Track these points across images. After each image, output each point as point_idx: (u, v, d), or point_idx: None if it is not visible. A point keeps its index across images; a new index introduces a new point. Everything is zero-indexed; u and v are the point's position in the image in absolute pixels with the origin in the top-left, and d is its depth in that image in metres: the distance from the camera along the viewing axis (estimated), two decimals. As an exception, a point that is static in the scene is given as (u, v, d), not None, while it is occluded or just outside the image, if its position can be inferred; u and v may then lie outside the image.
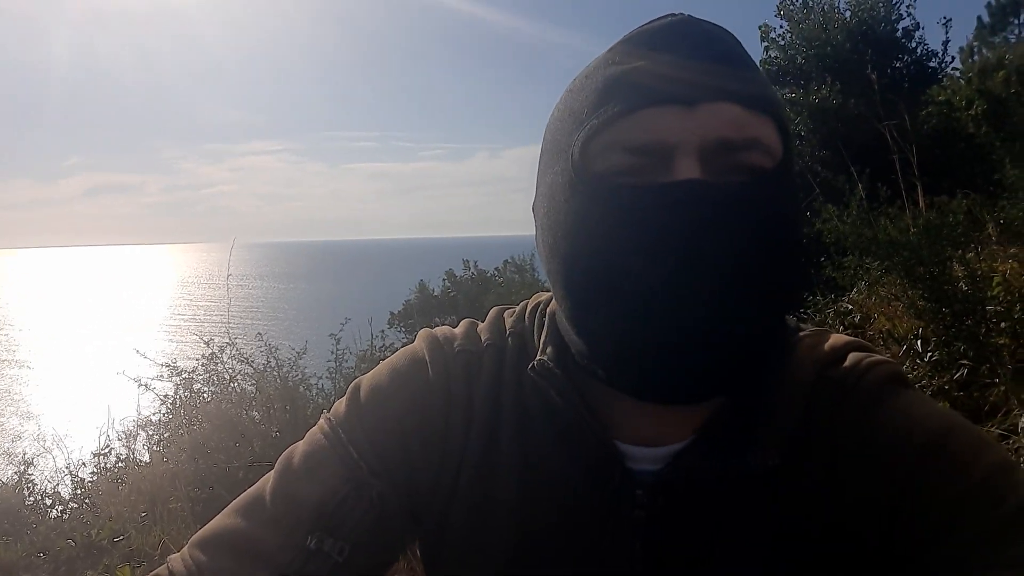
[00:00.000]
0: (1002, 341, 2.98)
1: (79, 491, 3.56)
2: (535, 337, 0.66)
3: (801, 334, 0.64)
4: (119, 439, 3.86)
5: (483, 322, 0.71)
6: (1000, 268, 3.52)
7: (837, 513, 0.56)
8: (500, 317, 0.71)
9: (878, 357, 0.61)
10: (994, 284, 3.24)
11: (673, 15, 0.57)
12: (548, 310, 0.67)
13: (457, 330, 0.70)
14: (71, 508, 3.41)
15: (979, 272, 3.28)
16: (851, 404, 0.58)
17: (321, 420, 0.67)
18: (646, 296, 0.51)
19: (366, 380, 0.68)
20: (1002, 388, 2.67)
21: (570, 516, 0.60)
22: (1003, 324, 3.05)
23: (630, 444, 0.60)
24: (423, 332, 0.71)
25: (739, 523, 0.57)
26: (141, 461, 3.70)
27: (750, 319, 0.52)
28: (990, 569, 0.48)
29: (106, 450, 3.80)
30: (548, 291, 0.71)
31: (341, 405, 0.67)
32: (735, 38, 0.57)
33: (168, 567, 0.61)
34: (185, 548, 0.62)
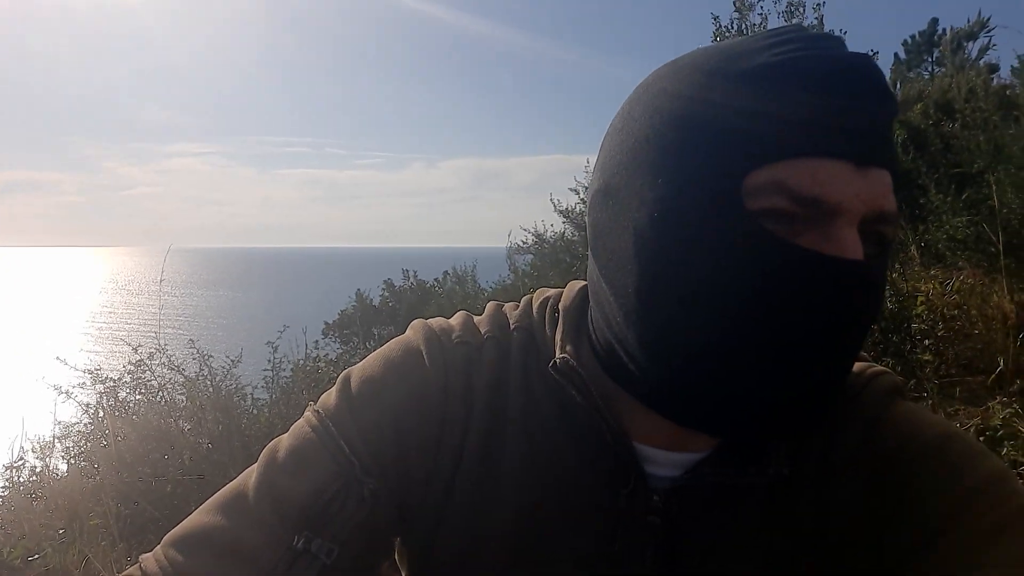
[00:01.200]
0: (926, 357, 3.14)
1: (-12, 507, 3.32)
2: (545, 334, 0.64)
3: None
4: (33, 451, 3.62)
5: (479, 315, 0.69)
6: (923, 288, 3.70)
7: (839, 519, 0.56)
8: (500, 311, 0.68)
9: (881, 368, 0.62)
10: (918, 303, 3.41)
11: (831, 39, 0.52)
12: (561, 307, 0.65)
13: (453, 321, 0.67)
14: (-22, 526, 3.18)
15: (904, 291, 3.45)
16: (856, 413, 0.59)
17: (308, 412, 0.63)
18: (759, 354, 0.49)
19: (357, 371, 0.64)
20: (930, 402, 2.80)
21: (579, 517, 0.58)
22: (927, 341, 3.21)
23: (648, 447, 0.58)
24: (416, 323, 0.68)
25: (749, 530, 0.57)
26: (58, 474, 3.49)
27: (839, 383, 0.53)
28: (984, 569, 0.48)
29: (19, 463, 3.56)
30: (549, 290, 0.69)
31: (330, 397, 0.63)
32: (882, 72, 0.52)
33: (140, 567, 0.56)
34: (159, 547, 0.58)
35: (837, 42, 0.52)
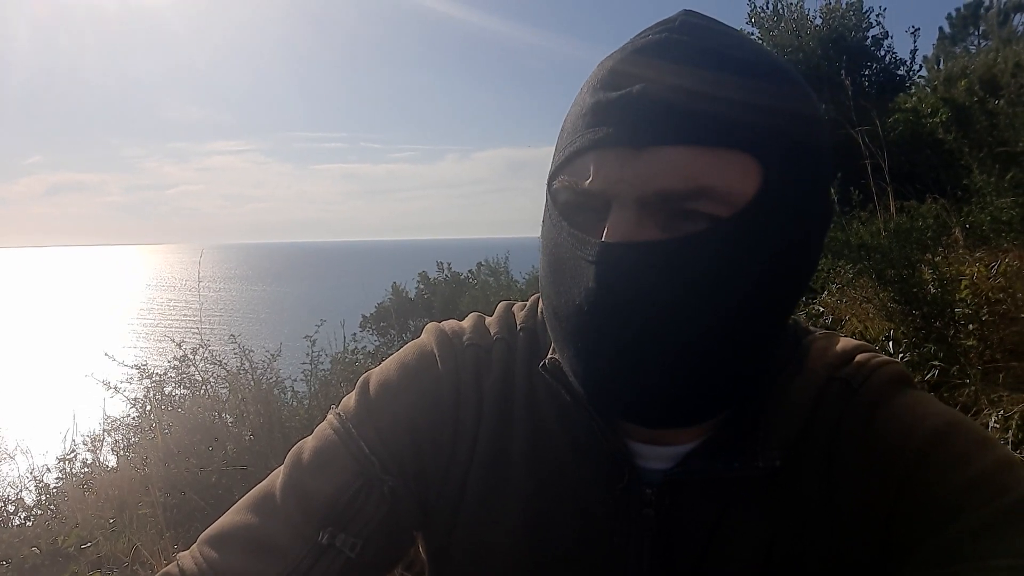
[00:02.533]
0: (970, 343, 3.05)
1: (44, 497, 3.46)
2: (548, 333, 0.65)
3: (811, 337, 0.65)
4: (85, 444, 3.76)
5: (490, 316, 0.71)
6: (967, 271, 3.60)
7: (839, 509, 0.56)
8: (509, 311, 0.71)
9: (885, 358, 0.62)
10: (962, 287, 3.32)
11: (660, 26, 0.54)
12: None
13: (465, 324, 0.70)
14: (36, 515, 3.31)
15: (947, 275, 3.36)
16: (858, 402, 0.59)
17: (330, 416, 0.65)
18: (574, 335, 0.53)
19: (375, 375, 0.67)
20: (972, 388, 2.73)
21: (581, 513, 0.60)
22: (971, 326, 3.12)
23: (640, 443, 0.60)
24: (430, 326, 0.70)
25: (742, 521, 0.57)
26: (108, 466, 3.62)
27: (700, 361, 0.52)
28: (989, 558, 0.48)
29: (71, 455, 3.70)
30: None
31: (350, 400, 0.66)
32: (731, 54, 0.52)
33: (178, 564, 0.60)
34: (195, 546, 0.61)
35: (662, 28, 0.53)
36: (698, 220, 0.50)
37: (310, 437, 0.65)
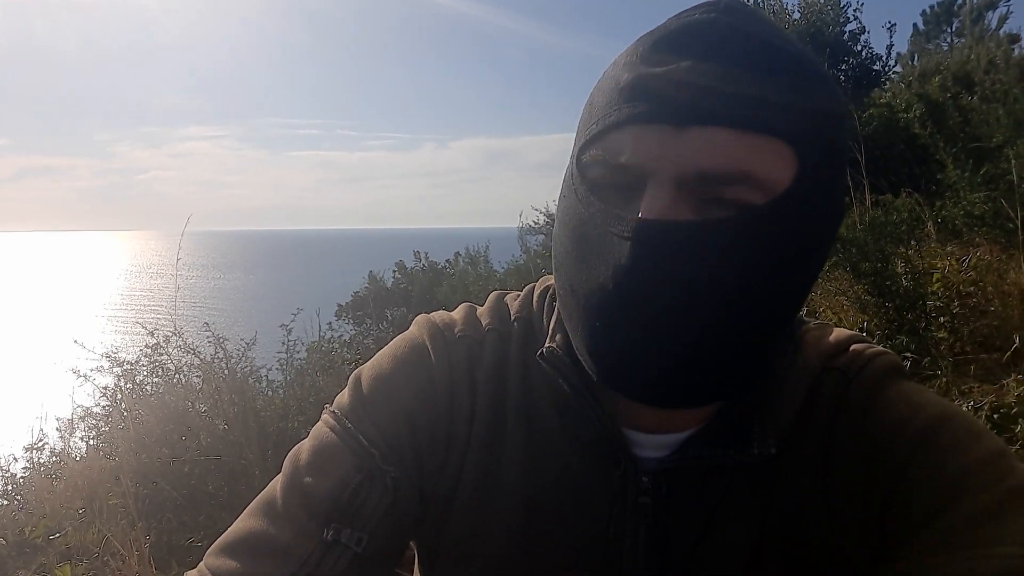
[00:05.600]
0: (941, 335, 3.10)
1: (10, 487, 3.39)
2: (544, 322, 0.65)
3: (804, 328, 0.65)
4: (58, 430, 3.69)
5: (481, 306, 0.70)
6: (939, 265, 3.66)
7: (834, 497, 0.56)
8: (502, 301, 0.70)
9: (879, 348, 0.62)
10: (933, 280, 3.37)
11: (705, 6, 0.53)
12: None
13: (456, 315, 0.69)
14: (2, 505, 3.25)
15: (920, 268, 3.41)
16: (853, 391, 0.59)
17: (324, 415, 0.65)
18: (600, 312, 0.51)
19: (367, 369, 0.66)
20: (944, 380, 2.78)
21: (576, 501, 0.60)
22: (942, 319, 3.17)
23: (636, 431, 0.60)
24: (420, 318, 0.70)
25: (738, 508, 0.58)
26: (77, 456, 3.55)
27: (719, 344, 0.51)
28: (986, 546, 0.48)
29: (39, 444, 3.63)
30: (551, 277, 0.69)
31: (344, 397, 0.65)
32: (774, 43, 0.51)
33: None
34: (202, 562, 0.60)
35: (708, 8, 0.52)
36: (728, 207, 0.50)
37: (306, 439, 0.64)
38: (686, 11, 0.53)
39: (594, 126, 0.54)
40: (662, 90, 0.50)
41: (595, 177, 0.54)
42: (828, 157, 0.53)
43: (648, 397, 0.54)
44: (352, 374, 0.67)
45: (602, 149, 0.53)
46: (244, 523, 0.61)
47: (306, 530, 0.58)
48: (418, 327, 0.69)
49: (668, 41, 0.52)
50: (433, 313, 0.71)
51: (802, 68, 0.52)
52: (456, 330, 0.67)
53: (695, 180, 0.49)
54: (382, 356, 0.67)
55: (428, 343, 0.66)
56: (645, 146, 0.50)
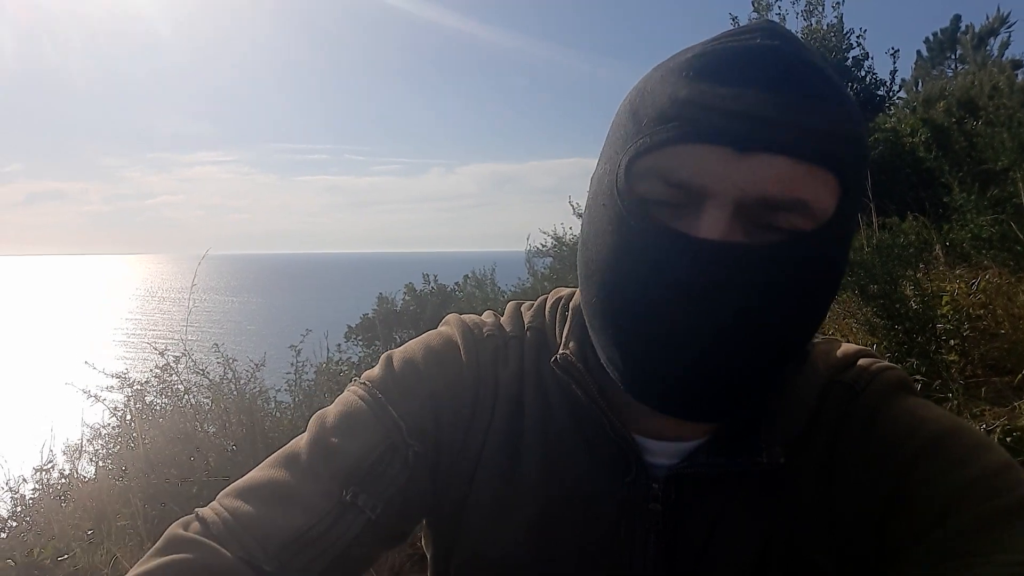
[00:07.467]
0: (952, 358, 3.09)
1: (19, 508, 3.39)
2: (556, 332, 0.67)
3: (813, 342, 0.66)
4: (63, 453, 3.69)
5: (503, 315, 0.73)
6: (948, 288, 3.65)
7: (838, 506, 0.57)
8: (518, 311, 0.73)
9: (887, 363, 0.64)
10: (943, 303, 3.36)
11: (764, 31, 0.54)
12: (571, 304, 0.68)
13: (484, 318, 0.72)
14: (10, 527, 3.24)
15: (929, 291, 3.40)
16: (860, 405, 0.60)
17: (353, 386, 0.67)
18: (643, 328, 0.53)
19: (398, 353, 0.68)
20: (955, 403, 2.76)
21: (588, 505, 0.61)
22: (952, 342, 3.16)
23: (647, 438, 0.61)
24: (451, 317, 0.73)
25: (744, 516, 0.59)
26: (86, 477, 3.55)
27: (752, 364, 0.53)
28: (989, 555, 0.48)
29: (48, 465, 3.63)
30: (564, 289, 0.72)
31: (375, 372, 0.67)
32: (826, 72, 0.53)
33: (197, 515, 0.59)
34: (215, 500, 0.61)
35: (770, 34, 0.53)
36: (778, 232, 0.52)
37: (332, 405, 0.66)
38: (740, 33, 0.54)
39: (644, 139, 0.53)
40: (728, 113, 0.50)
41: (645, 191, 0.54)
42: (861, 183, 0.56)
43: (672, 409, 0.55)
44: (384, 354, 0.69)
45: (656, 164, 0.53)
46: (264, 472, 0.61)
47: (327, 488, 0.59)
48: (449, 325, 0.71)
49: (731, 64, 0.52)
50: (463, 315, 0.73)
51: (846, 98, 0.54)
52: (485, 330, 0.69)
53: (755, 205, 0.51)
54: (415, 344, 0.69)
55: (460, 340, 0.68)
56: (708, 167, 0.51)
